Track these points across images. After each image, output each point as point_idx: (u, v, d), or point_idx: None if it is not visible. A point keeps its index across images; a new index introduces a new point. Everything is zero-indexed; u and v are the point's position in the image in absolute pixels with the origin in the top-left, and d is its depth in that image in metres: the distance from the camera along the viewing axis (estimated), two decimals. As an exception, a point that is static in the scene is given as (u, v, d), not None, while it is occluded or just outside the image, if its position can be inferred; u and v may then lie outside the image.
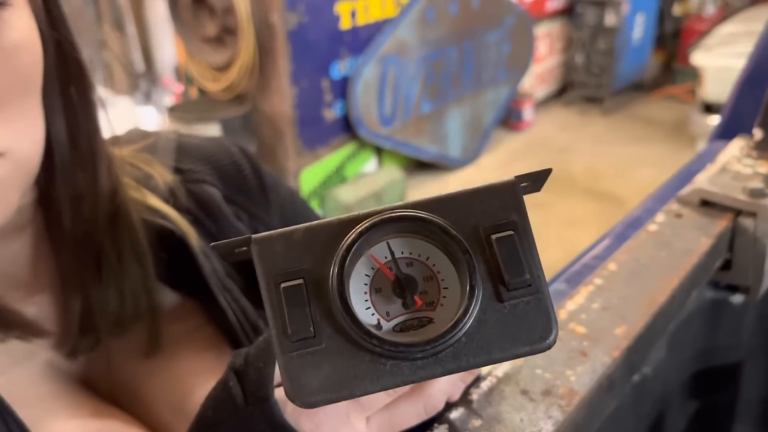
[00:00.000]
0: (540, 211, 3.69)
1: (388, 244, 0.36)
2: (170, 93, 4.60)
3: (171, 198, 0.61)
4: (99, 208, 0.53)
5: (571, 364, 0.53)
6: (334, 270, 0.34)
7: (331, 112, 3.54)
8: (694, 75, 4.58)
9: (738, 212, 0.76)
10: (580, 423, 0.50)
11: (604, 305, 0.61)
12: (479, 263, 0.35)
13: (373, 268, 0.36)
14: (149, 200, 0.59)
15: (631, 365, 0.58)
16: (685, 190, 0.78)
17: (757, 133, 0.89)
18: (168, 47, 4.68)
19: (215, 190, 0.64)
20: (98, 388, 0.58)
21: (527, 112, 4.84)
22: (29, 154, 0.44)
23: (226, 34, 3.27)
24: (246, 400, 0.42)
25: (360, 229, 0.35)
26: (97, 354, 0.57)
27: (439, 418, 0.48)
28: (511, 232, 0.36)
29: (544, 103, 5.22)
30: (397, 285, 0.36)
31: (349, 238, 0.35)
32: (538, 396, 0.50)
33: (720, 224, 0.74)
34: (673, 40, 5.51)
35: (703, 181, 0.79)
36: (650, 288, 0.63)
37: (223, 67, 3.34)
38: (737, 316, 0.93)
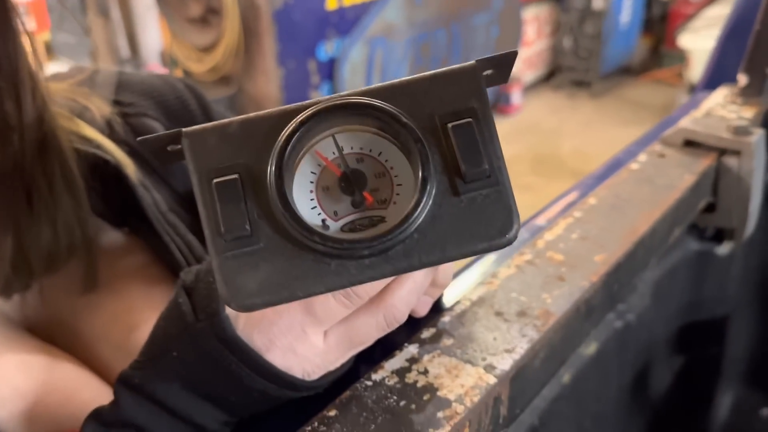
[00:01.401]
0: (529, 193, 3.68)
1: (334, 138, 0.34)
2: (155, 78, 4.56)
3: (108, 130, 0.58)
4: (26, 136, 0.50)
5: (548, 288, 0.51)
6: (272, 163, 0.32)
7: (319, 94, 3.51)
8: (681, 58, 4.58)
9: (722, 152, 0.74)
10: (557, 345, 0.49)
11: (583, 235, 0.59)
12: (434, 154, 0.33)
13: (319, 165, 0.34)
14: (82, 130, 0.56)
15: (612, 294, 0.56)
16: (669, 131, 0.77)
17: (742, 79, 0.87)
18: (153, 33, 4.63)
19: (157, 124, 0.62)
20: (36, 329, 0.55)
21: (516, 96, 4.83)
22: None
23: (211, 14, 3.23)
24: (196, 316, 0.40)
25: (301, 118, 0.32)
26: (32, 293, 0.54)
27: (408, 336, 0.46)
28: (469, 120, 0.33)
29: (532, 87, 5.21)
30: (344, 181, 0.33)
31: (289, 128, 0.32)
32: (513, 317, 0.48)
33: (704, 163, 0.72)
34: (661, 24, 5.50)
35: (687, 122, 0.77)
36: (631, 220, 0.61)
37: (208, 48, 3.30)
38: (723, 268, 0.92)
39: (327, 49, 3.44)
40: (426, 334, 0.46)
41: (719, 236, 0.88)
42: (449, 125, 0.33)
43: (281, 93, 3.31)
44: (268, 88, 3.31)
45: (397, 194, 0.34)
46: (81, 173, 0.54)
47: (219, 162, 0.33)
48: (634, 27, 5.31)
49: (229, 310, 0.40)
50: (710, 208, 0.77)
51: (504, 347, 0.45)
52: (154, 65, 4.63)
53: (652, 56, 5.56)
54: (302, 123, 0.32)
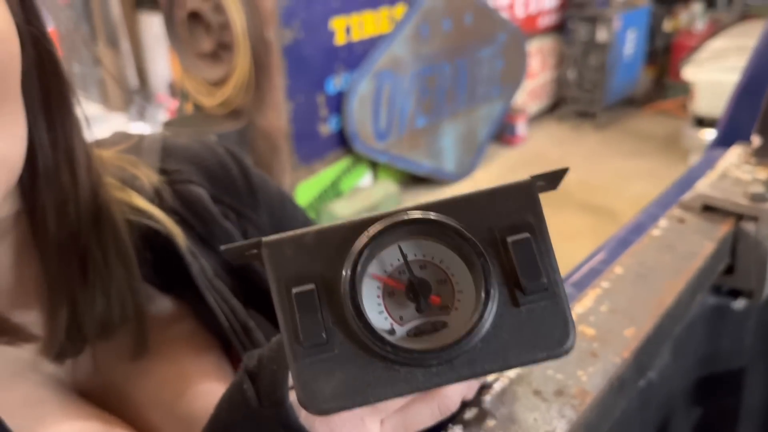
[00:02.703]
0: (535, 224, 3.69)
1: (399, 247, 0.36)
2: (164, 109, 4.61)
3: (157, 198, 0.60)
4: (81, 208, 0.52)
5: (582, 365, 0.53)
6: (346, 274, 0.34)
7: (327, 127, 3.55)
8: (685, 90, 4.63)
9: (740, 217, 0.76)
10: (592, 423, 0.51)
11: (612, 307, 0.61)
12: (494, 266, 0.35)
13: (385, 272, 0.36)
14: (134, 200, 0.58)
15: (641, 366, 0.58)
16: (687, 196, 0.79)
17: (756, 140, 0.90)
18: (162, 64, 4.70)
19: (202, 190, 0.64)
20: (88, 394, 0.57)
21: (521, 127, 4.87)
22: (12, 152, 0.43)
23: (222, 49, 3.28)
24: (260, 402, 0.42)
25: (372, 233, 0.35)
26: (85, 358, 0.56)
27: (454, 418, 0.48)
28: (527, 235, 0.35)
29: (537, 119, 5.26)
30: (410, 289, 0.36)
31: (360, 241, 0.35)
32: (551, 396, 0.50)
33: (722, 228, 0.74)
34: (664, 56, 5.57)
35: (704, 186, 0.80)
36: (657, 290, 0.63)
37: (219, 83, 3.35)
38: (739, 322, 0.94)
39: (335, 83, 3.50)
40: (469, 414, 0.48)
41: (735, 291, 0.90)
42: (509, 240, 0.35)
43: (290, 126, 3.36)
44: (278, 121, 3.35)
45: (458, 300, 0.36)
46: (133, 244, 0.56)
47: (296, 271, 0.35)
48: (638, 59, 5.37)
49: (292, 398, 0.42)
50: (728, 270, 0.80)
51: (545, 429, 0.47)
52: (162, 96, 4.68)
53: (656, 87, 5.62)
54: (372, 238, 0.35)
